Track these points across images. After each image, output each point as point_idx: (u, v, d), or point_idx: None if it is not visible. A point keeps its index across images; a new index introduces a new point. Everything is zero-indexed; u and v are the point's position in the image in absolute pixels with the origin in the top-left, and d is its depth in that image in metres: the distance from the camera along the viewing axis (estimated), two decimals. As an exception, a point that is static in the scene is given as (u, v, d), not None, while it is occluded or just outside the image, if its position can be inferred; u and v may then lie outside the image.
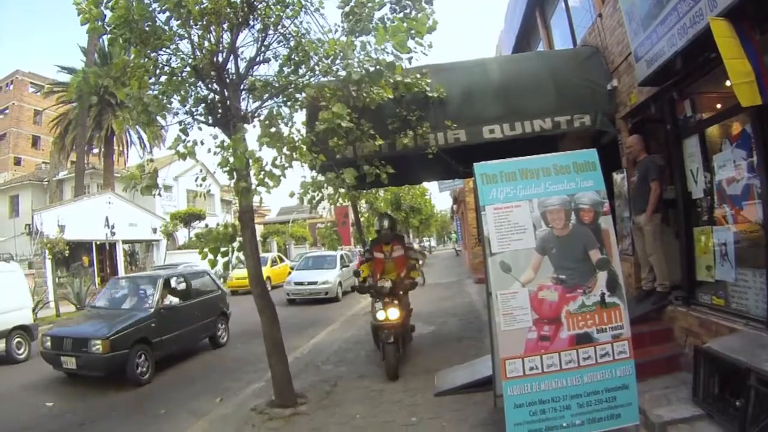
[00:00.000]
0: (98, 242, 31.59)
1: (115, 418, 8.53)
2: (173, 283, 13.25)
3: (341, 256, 25.40)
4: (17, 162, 55.89)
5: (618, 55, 8.48)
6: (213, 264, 7.52)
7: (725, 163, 6.32)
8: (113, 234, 29.19)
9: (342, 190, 8.12)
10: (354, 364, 10.10)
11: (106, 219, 28.48)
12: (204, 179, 8.73)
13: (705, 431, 5.16)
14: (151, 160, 8.67)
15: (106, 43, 36.82)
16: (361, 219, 19.06)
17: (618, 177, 9.05)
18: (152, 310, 11.39)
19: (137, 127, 38.41)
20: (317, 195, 8.04)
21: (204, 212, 42.44)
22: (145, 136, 39.65)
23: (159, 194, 7.93)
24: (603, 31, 9.08)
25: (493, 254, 5.31)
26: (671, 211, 7.74)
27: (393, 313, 8.99)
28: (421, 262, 10.69)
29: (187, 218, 41.19)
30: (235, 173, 6.94)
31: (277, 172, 6.81)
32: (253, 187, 7.11)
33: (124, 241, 35.26)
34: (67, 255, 27.92)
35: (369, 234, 21.38)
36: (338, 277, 23.56)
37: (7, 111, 57.26)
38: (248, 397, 8.67)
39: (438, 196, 67.78)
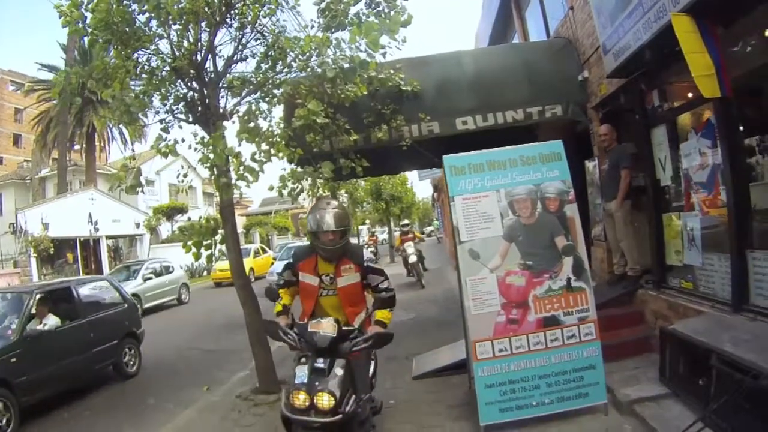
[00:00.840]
0: (82, 239, 31.70)
1: (103, 410, 8.71)
2: (52, 298, 9.63)
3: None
4: (-1, 161, 55.48)
5: (589, 47, 8.64)
6: (197, 257, 7.71)
7: (691, 152, 6.50)
8: (97, 230, 29.32)
9: (321, 181, 8.29)
10: None
11: (90, 215, 28.59)
12: (185, 175, 8.59)
13: (670, 408, 5.34)
14: (134, 158, 8.74)
15: (86, 42, 36.68)
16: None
17: (590, 165, 9.23)
18: (13, 339, 8.31)
19: (117, 122, 38.71)
20: (297, 187, 8.20)
21: (186, 205, 42.33)
22: (126, 132, 39.57)
23: (142, 192, 8.09)
24: (575, 24, 9.24)
25: (462, 242, 5.51)
26: (643, 197, 7.89)
27: (324, 398, 4.27)
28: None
29: (170, 212, 41.20)
30: (215, 169, 7.12)
31: (255, 166, 6.97)
32: (233, 182, 7.26)
33: (108, 237, 35.29)
34: (52, 253, 27.95)
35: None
36: None
37: (-14, 110, 56.71)
38: (234, 385, 8.84)
39: (419, 183, 67.77)
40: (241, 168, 6.90)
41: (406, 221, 23.41)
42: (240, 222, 43.70)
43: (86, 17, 7.12)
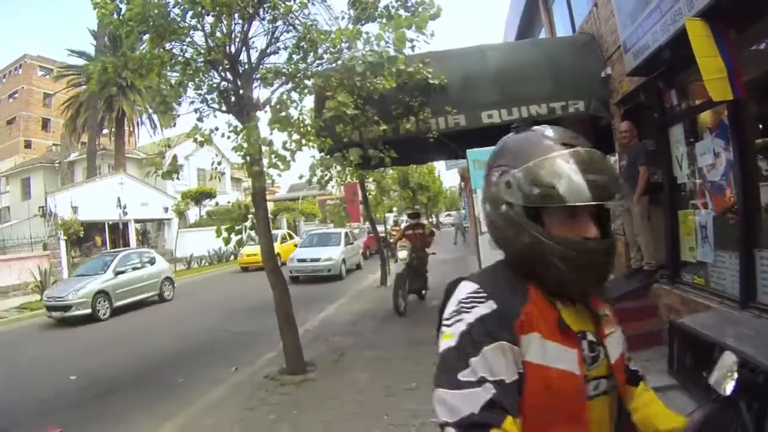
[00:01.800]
0: (110, 222, 32.21)
1: (136, 387, 8.95)
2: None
3: (346, 234, 24.97)
4: (27, 145, 56.29)
5: (612, 44, 8.78)
6: (227, 242, 8.01)
7: (706, 151, 6.66)
8: (125, 214, 29.67)
9: (349, 169, 8.54)
10: (361, 335, 10.54)
11: (118, 199, 28.95)
12: (219, 163, 8.81)
13: (675, 399, 5.53)
14: (169, 145, 9.00)
15: (122, 33, 36.84)
16: (369, 197, 19.11)
17: (611, 160, 9.31)
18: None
19: (148, 108, 39.21)
20: (326, 175, 8.48)
21: (215, 191, 42.80)
22: (156, 118, 40.02)
23: (177, 178, 8.42)
24: (598, 20, 9.39)
25: (483, 233, 5.76)
26: (659, 193, 8.07)
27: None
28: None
29: (198, 197, 41.66)
30: (248, 158, 7.37)
31: (287, 155, 7.25)
32: (265, 169, 7.55)
33: (136, 221, 35.75)
34: (81, 236, 28.43)
35: (376, 212, 21.28)
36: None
37: (16, 95, 57.58)
38: (262, 365, 9.10)
39: (446, 173, 67.31)
40: (273, 157, 7.18)
41: (416, 207, 21.06)
42: (268, 208, 43.61)
43: (121, 9, 7.44)
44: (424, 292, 13.78)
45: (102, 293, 16.98)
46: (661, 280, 7.85)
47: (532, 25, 15.92)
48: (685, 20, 5.36)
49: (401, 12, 8.05)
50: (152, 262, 20.75)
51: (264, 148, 7.27)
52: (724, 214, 6.43)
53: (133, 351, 11.21)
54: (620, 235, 8.93)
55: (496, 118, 8.96)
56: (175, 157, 8.30)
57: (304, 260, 22.71)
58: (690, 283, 7.22)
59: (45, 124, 58.38)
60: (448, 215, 61.80)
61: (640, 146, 8.11)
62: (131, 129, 43.46)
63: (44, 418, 7.56)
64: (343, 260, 23.13)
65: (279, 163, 7.21)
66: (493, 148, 4.40)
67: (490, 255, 5.40)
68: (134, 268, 19.41)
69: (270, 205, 54.31)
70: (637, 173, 7.87)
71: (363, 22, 8.06)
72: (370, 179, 20.11)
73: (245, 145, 7.17)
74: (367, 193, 18.83)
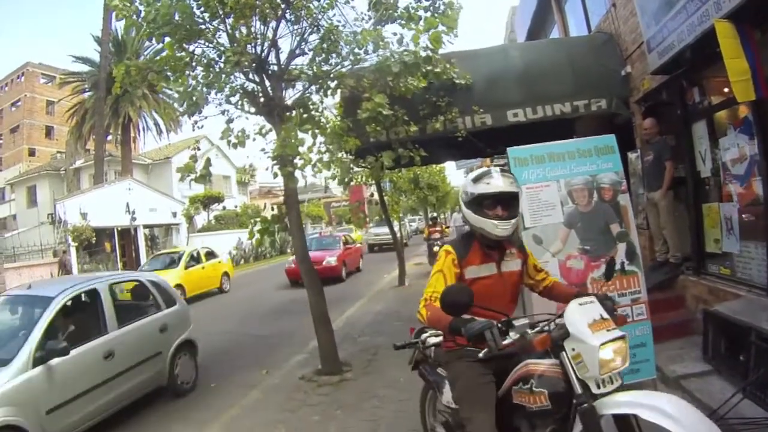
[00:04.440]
0: (119, 228, 32.23)
1: (162, 394, 8.54)
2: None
3: (344, 237, 25.61)
4: (31, 153, 56.27)
5: (631, 43, 8.97)
6: (259, 243, 8.13)
7: (729, 146, 6.86)
8: (134, 219, 29.79)
9: (366, 171, 8.63)
10: (390, 334, 10.35)
11: (127, 205, 29.17)
12: (251, 165, 8.93)
13: (713, 383, 5.77)
14: (198, 148, 8.84)
15: (119, 32, 37.82)
16: (386, 198, 19.42)
17: (632, 156, 9.58)
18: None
19: (153, 112, 39.35)
20: (350, 175, 8.61)
21: (222, 195, 42.94)
22: (161, 122, 40.23)
23: (210, 181, 8.52)
24: (617, 20, 9.58)
25: (526, 228, 5.93)
26: (682, 188, 8.25)
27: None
28: None
29: (206, 201, 41.59)
30: (280, 159, 7.47)
31: (325, 157, 7.43)
32: (298, 171, 7.68)
33: (145, 226, 35.63)
34: (93, 242, 28.43)
35: (393, 212, 21.64)
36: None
37: (19, 103, 57.57)
38: (293, 367, 9.15)
39: (452, 173, 67.01)
40: (314, 160, 7.34)
41: (434, 214, 25.36)
42: (273, 210, 44.08)
43: (141, 11, 7.51)
44: None
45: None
46: (687, 271, 8.03)
47: (544, 24, 16.08)
48: (714, 22, 5.52)
49: (420, 13, 8.15)
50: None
51: (302, 149, 7.41)
52: (749, 207, 6.62)
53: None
54: (644, 229, 9.12)
55: (521, 116, 9.13)
56: (208, 160, 8.35)
57: None
58: (716, 273, 7.41)
59: (48, 131, 58.43)
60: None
61: (664, 142, 8.28)
62: (134, 135, 43.52)
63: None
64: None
65: (321, 166, 7.36)
66: (532, 146, 5.90)
67: (533, 248, 5.58)
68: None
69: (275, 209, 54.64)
70: (663, 168, 8.08)
71: (384, 23, 8.17)
72: (387, 180, 20.21)
73: (279, 146, 7.26)
74: (384, 195, 19.02)
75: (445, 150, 11.61)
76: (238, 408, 7.62)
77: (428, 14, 8.09)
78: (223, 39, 8.00)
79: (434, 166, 25.74)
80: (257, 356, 10.62)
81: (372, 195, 21.30)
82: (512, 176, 3.62)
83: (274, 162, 7.73)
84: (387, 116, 7.83)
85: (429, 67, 8.39)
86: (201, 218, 42.55)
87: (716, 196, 7.41)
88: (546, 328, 3.36)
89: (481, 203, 3.52)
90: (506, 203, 3.50)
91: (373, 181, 13.57)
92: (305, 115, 7.98)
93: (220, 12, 7.42)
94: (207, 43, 8.00)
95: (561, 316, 3.25)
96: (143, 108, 38.48)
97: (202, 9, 7.52)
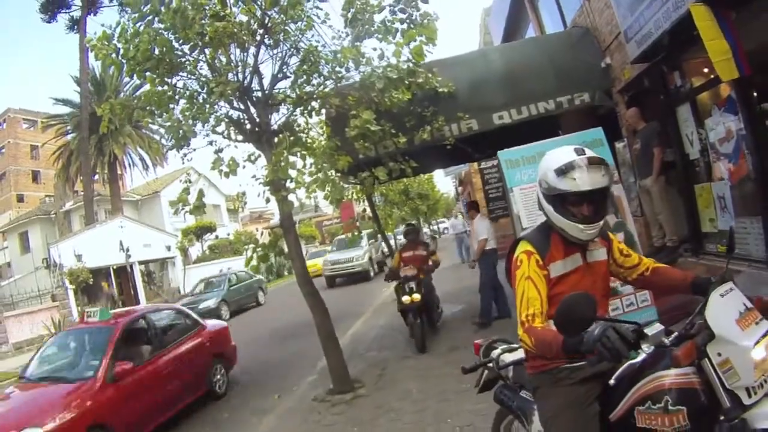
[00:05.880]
0: (115, 266, 32.08)
1: (177, 427, 8.73)
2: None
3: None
4: (20, 199, 55.92)
5: (608, 35, 9.06)
6: (256, 270, 8.17)
7: (715, 126, 6.93)
8: (129, 257, 29.71)
9: (358, 188, 8.66)
10: (396, 348, 10.53)
11: (121, 243, 29.04)
12: (244, 194, 8.84)
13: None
14: (189, 181, 8.66)
15: (97, 70, 37.82)
16: (378, 212, 19.04)
17: (620, 146, 9.64)
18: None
19: (138, 148, 39.39)
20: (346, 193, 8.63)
21: (215, 224, 42.90)
22: (147, 157, 40.25)
23: (204, 212, 8.50)
24: (592, 13, 9.68)
25: (524, 229, 5.98)
26: (673, 172, 8.32)
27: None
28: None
29: (199, 232, 41.59)
30: (273, 184, 7.49)
31: (321, 176, 7.45)
32: (290, 194, 7.68)
33: (140, 262, 35.48)
34: (91, 283, 28.38)
35: (386, 226, 21.53)
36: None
37: (3, 150, 57.34)
38: (305, 389, 9.12)
39: (440, 180, 66.90)
40: (307, 180, 7.36)
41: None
42: (264, 236, 43.98)
43: (119, 49, 7.47)
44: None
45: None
46: (685, 253, 8.08)
47: (519, 24, 16.18)
48: (690, 6, 5.59)
49: (396, 25, 8.14)
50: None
51: (293, 172, 7.43)
52: (740, 183, 6.69)
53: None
54: (638, 216, 9.16)
55: (506, 118, 9.18)
56: (201, 192, 8.32)
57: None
58: (714, 252, 7.48)
59: (35, 176, 58.10)
60: (441, 222, 58.34)
61: (651, 129, 8.35)
62: (122, 172, 43.48)
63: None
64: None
65: (317, 187, 7.39)
66: (522, 147, 5.89)
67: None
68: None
69: (266, 234, 54.61)
70: (651, 155, 8.14)
71: (362, 38, 8.16)
72: (377, 194, 20.07)
73: (268, 171, 7.32)
74: (376, 208, 18.81)
75: (434, 159, 11.65)
76: (256, 435, 7.54)
77: (404, 26, 8.09)
78: (204, 70, 8.00)
79: (422, 175, 25.72)
80: (267, 381, 10.61)
81: (365, 210, 20.83)
82: (603, 164, 2.97)
83: (267, 187, 7.75)
84: (375, 131, 7.81)
85: (412, 79, 8.43)
86: (195, 249, 42.38)
87: (707, 176, 7.48)
88: (683, 331, 2.72)
89: (564, 199, 3.01)
90: (594, 200, 2.97)
91: (365, 196, 13.46)
92: (292, 138, 7.96)
93: (199, 43, 7.36)
94: (189, 75, 7.99)
95: (699, 312, 2.63)
96: (128, 144, 38.56)
97: (181, 42, 7.47)
